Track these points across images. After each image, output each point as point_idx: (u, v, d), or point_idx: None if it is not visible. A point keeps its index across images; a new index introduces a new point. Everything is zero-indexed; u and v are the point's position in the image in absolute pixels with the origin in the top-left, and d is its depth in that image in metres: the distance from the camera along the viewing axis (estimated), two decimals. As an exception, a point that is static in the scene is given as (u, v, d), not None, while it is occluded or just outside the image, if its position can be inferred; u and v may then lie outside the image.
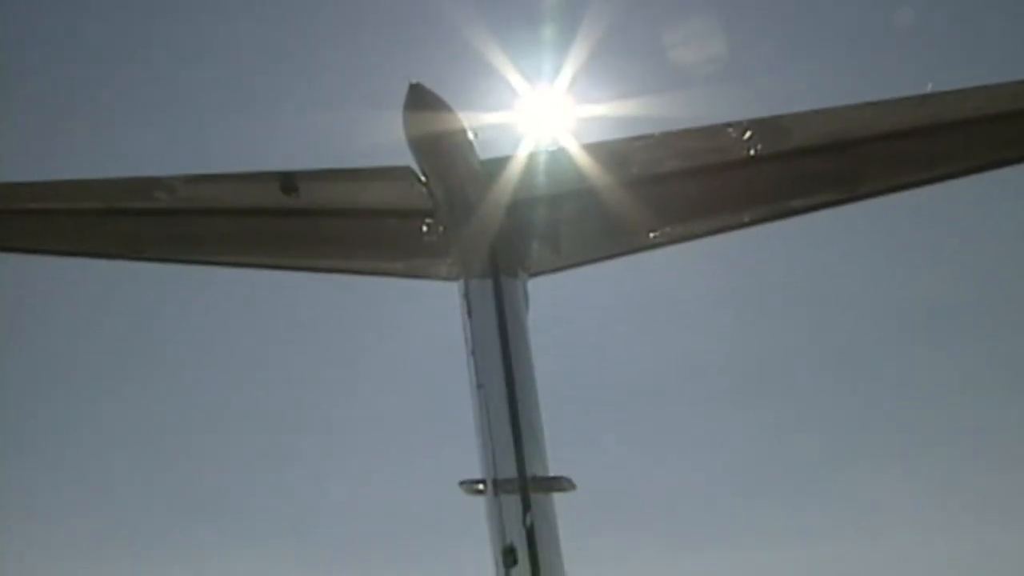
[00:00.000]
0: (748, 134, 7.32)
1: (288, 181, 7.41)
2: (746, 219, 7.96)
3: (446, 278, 8.28)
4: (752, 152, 7.35)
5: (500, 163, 7.78)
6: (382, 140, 7.68)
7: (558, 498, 7.99)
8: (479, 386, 7.62)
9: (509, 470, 7.43)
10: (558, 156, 7.82)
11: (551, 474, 7.89)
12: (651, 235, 8.07)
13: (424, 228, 7.87)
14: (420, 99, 7.15)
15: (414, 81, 7.05)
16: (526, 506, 7.36)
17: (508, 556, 7.09)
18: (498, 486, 7.42)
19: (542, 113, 8.04)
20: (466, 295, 7.94)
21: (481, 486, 7.64)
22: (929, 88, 6.88)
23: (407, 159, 7.53)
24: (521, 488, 7.40)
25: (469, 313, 7.86)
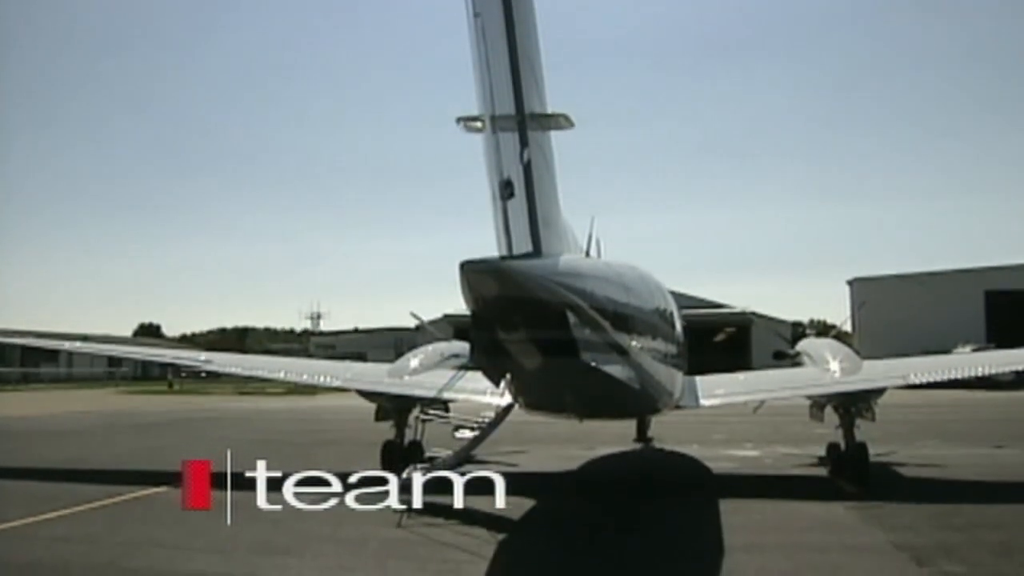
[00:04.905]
0: None
1: None
2: None
3: None
4: None
5: None
6: None
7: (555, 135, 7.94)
8: (476, 15, 7.21)
9: (507, 105, 7.27)
10: None
11: (549, 111, 7.75)
12: None
13: None
14: None
15: None
16: (523, 142, 7.32)
17: (505, 189, 7.19)
18: (496, 122, 7.31)
19: None
20: None
21: (479, 123, 7.54)
22: None
23: None
24: (519, 123, 7.30)
25: None
